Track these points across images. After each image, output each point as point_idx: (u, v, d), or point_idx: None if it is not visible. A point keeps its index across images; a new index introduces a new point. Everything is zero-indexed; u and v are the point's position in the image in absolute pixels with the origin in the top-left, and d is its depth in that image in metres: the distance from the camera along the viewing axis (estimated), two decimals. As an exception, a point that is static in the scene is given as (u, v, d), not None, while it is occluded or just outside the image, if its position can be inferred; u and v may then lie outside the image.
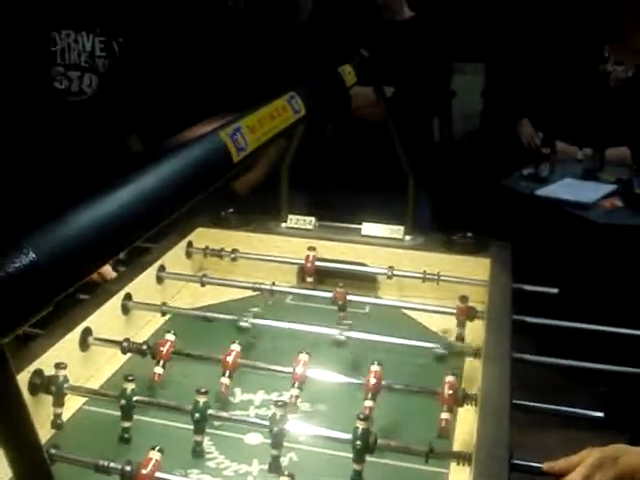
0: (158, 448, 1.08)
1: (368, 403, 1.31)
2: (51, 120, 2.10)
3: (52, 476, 0.52)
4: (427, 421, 1.30)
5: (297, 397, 1.35)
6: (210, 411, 1.21)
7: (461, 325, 1.59)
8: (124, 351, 1.43)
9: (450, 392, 1.28)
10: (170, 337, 1.43)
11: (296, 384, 1.35)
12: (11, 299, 0.53)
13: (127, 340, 1.45)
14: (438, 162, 2.94)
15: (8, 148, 1.91)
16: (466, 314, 1.59)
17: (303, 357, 1.36)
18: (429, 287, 1.80)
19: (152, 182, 0.76)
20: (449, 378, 1.29)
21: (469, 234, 1.91)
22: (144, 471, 1.04)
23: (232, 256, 1.90)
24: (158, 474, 1.05)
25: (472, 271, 1.81)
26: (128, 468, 1.05)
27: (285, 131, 1.12)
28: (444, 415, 1.28)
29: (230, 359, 1.37)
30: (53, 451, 1.11)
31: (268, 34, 2.50)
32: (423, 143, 2.66)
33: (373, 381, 1.31)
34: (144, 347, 1.42)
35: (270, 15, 2.54)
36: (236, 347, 1.39)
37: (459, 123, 5.07)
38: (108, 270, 1.69)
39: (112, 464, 1.07)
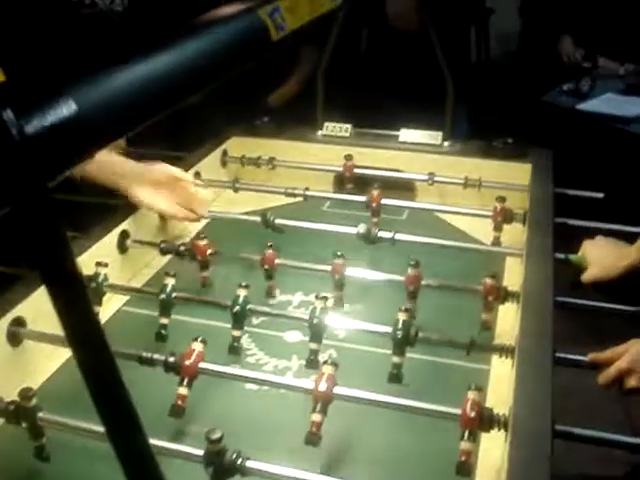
0: (201, 339, 1.08)
1: (408, 303, 1.30)
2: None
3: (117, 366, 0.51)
4: (468, 320, 1.29)
5: (335, 295, 1.35)
6: (250, 306, 1.21)
7: (498, 227, 1.56)
8: (162, 252, 1.43)
9: (490, 290, 1.26)
10: (204, 242, 1.42)
11: (336, 282, 1.34)
12: (51, 147, 0.51)
13: (164, 242, 1.44)
14: (476, 79, 2.86)
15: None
16: (503, 216, 1.56)
17: (340, 258, 1.34)
18: (468, 193, 1.77)
19: (194, 50, 0.74)
20: (488, 280, 1.27)
21: (509, 140, 1.86)
22: (188, 362, 1.04)
23: (268, 164, 1.87)
24: (202, 364, 1.05)
25: (512, 177, 1.77)
26: (172, 359, 1.06)
27: (325, 15, 1.08)
28: (485, 315, 1.27)
29: (267, 260, 1.37)
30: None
31: None
32: (460, 55, 2.58)
33: (412, 280, 1.30)
34: (181, 248, 1.42)
35: None
36: (271, 250, 1.38)
37: (497, 44, 4.93)
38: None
39: (156, 355, 1.08)
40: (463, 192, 1.76)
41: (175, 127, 1.92)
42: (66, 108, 0.53)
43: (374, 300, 1.40)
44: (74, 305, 0.50)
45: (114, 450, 0.50)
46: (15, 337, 1.18)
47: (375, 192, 1.62)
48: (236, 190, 1.77)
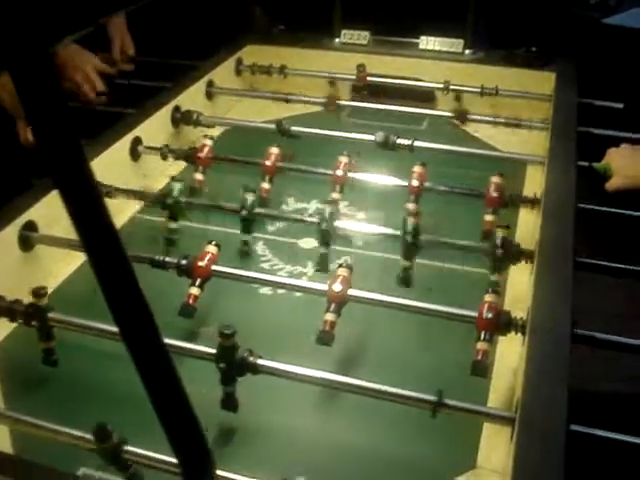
0: (215, 243, 1.06)
1: (411, 205, 1.27)
2: None
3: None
4: (473, 224, 1.27)
5: (338, 200, 1.32)
6: (258, 210, 1.19)
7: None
8: (164, 157, 1.41)
9: (495, 194, 1.23)
10: (208, 142, 1.40)
11: (337, 187, 1.32)
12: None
13: (166, 146, 1.42)
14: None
15: None
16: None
17: (344, 159, 1.32)
18: (489, 102, 1.72)
19: None
20: (495, 179, 1.24)
21: (533, 48, 1.79)
22: (201, 263, 1.03)
23: (282, 73, 1.82)
24: (215, 267, 1.04)
25: (535, 86, 1.72)
26: (184, 261, 1.04)
27: None
28: (488, 217, 1.24)
29: (269, 162, 1.35)
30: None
31: None
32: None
33: (416, 183, 1.28)
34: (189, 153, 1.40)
35: None
36: (275, 150, 1.35)
37: None
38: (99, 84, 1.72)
39: (168, 258, 1.06)
40: (483, 101, 1.71)
41: (186, 35, 1.87)
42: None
43: (389, 206, 1.37)
44: (84, 200, 0.47)
45: (128, 349, 0.49)
46: (27, 241, 1.16)
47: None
48: (252, 97, 1.73)
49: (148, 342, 0.51)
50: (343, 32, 1.91)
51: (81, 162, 0.46)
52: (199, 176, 1.40)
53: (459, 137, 1.66)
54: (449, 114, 1.69)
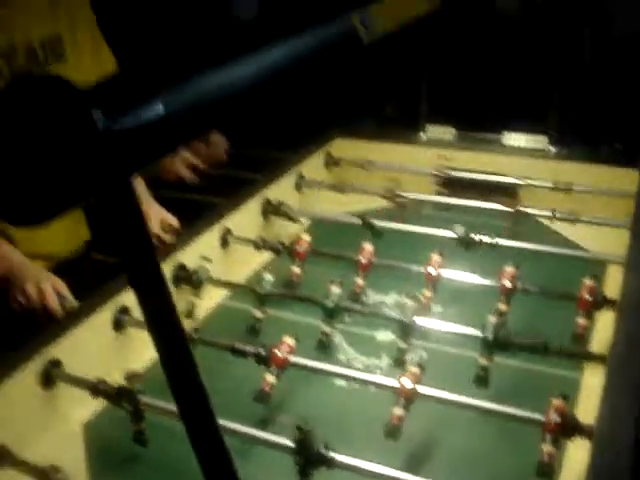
0: (293, 335, 1.12)
1: (502, 305, 1.29)
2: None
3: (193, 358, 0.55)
4: (562, 326, 1.27)
5: (429, 297, 1.35)
6: (342, 302, 1.24)
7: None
8: (257, 247, 1.48)
9: (588, 296, 1.24)
10: (306, 237, 1.46)
11: (429, 284, 1.35)
12: (135, 144, 0.55)
13: (262, 239, 1.49)
14: (588, 82, 2.75)
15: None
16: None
17: (436, 257, 1.35)
18: (571, 198, 1.73)
19: (281, 55, 0.76)
20: (588, 281, 1.25)
21: (617, 145, 1.81)
22: (278, 353, 1.08)
23: (370, 166, 1.89)
24: (292, 358, 1.09)
25: (619, 183, 1.72)
26: (262, 351, 1.10)
27: (418, 21, 1.09)
28: (581, 320, 1.25)
29: (363, 259, 1.40)
30: (194, 335, 1.17)
31: None
32: (571, 58, 2.51)
33: (507, 283, 1.30)
34: (279, 246, 1.47)
35: None
36: (369, 247, 1.40)
37: (622, 20, 4.65)
38: (187, 176, 1.87)
39: (248, 347, 1.12)
40: (565, 197, 1.73)
41: (278, 127, 1.98)
42: (154, 110, 0.57)
43: (469, 303, 1.39)
44: (153, 296, 0.54)
45: (187, 431, 0.54)
46: (120, 324, 1.25)
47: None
48: (341, 192, 1.79)
49: (202, 424, 0.57)
50: (428, 127, 1.98)
51: (146, 246, 0.53)
52: (297, 269, 1.46)
53: (541, 233, 1.67)
54: (534, 211, 1.70)
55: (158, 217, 1.58)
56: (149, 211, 1.58)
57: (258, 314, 1.30)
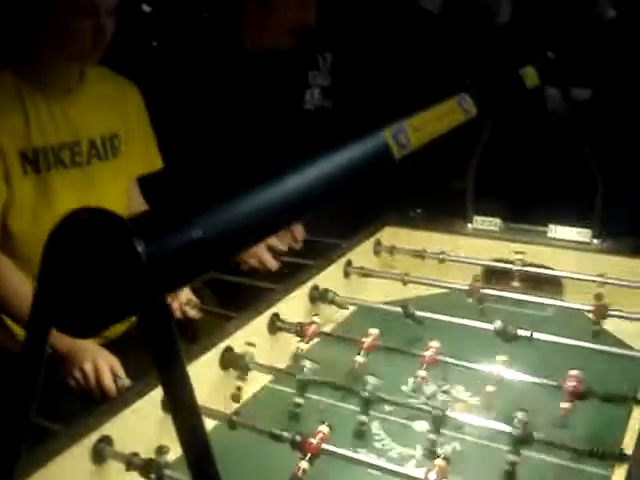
0: (328, 424, 1.17)
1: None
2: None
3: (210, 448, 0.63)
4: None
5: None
6: (378, 393, 1.30)
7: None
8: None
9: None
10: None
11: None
12: (174, 267, 0.64)
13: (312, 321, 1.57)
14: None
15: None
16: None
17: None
18: (618, 292, 1.75)
19: (316, 175, 0.85)
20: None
21: (662, 238, 1.84)
22: (312, 441, 1.14)
23: (420, 256, 1.96)
24: (325, 445, 1.15)
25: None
26: (298, 438, 1.16)
27: (453, 131, 1.17)
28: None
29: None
30: (234, 418, 1.24)
31: (461, 38, 2.53)
32: (623, 146, 2.56)
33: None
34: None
35: (463, 19, 2.57)
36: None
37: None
38: (271, 263, 1.96)
39: (285, 433, 1.18)
40: (611, 291, 1.75)
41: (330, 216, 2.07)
42: (193, 235, 0.65)
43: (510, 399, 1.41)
44: (182, 409, 0.62)
45: None
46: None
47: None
48: (401, 280, 1.86)
49: None
50: (475, 218, 2.04)
51: (177, 361, 0.60)
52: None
53: (584, 328, 1.68)
54: (581, 307, 1.72)
55: (184, 294, 1.70)
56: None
57: (298, 400, 1.36)
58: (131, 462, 1.15)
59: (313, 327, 1.57)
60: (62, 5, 1.52)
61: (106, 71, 1.76)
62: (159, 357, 0.60)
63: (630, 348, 1.60)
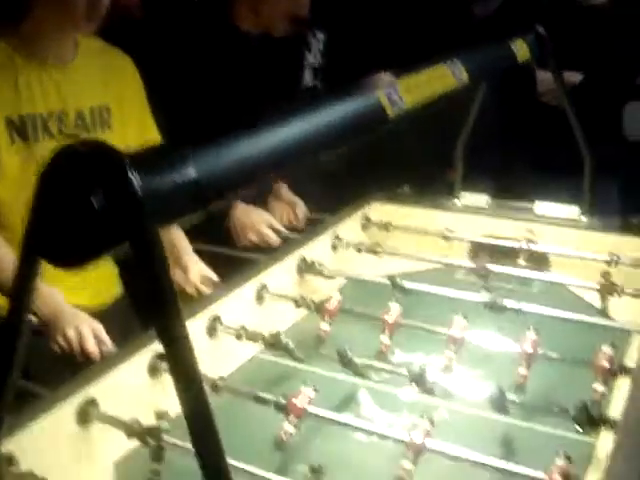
0: (313, 386, 1.17)
1: (522, 370, 1.33)
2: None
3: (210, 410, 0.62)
4: (579, 392, 1.30)
5: (452, 359, 1.40)
6: (366, 361, 1.30)
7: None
8: (297, 305, 1.55)
9: (606, 363, 1.27)
10: (337, 296, 1.52)
11: (452, 346, 1.39)
12: (173, 201, 0.64)
13: (302, 297, 1.56)
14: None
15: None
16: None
17: (460, 321, 1.40)
18: (603, 269, 1.76)
19: (311, 126, 0.85)
20: (606, 349, 1.28)
21: (650, 216, 1.84)
22: (296, 402, 1.14)
23: (405, 231, 1.96)
24: (309, 408, 1.14)
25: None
26: (282, 400, 1.15)
27: (445, 96, 1.16)
28: (597, 387, 1.28)
29: (389, 318, 1.45)
30: (219, 382, 1.24)
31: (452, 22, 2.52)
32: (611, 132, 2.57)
33: (529, 349, 1.33)
34: (310, 303, 1.53)
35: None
36: (396, 307, 1.46)
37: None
38: (272, 238, 1.94)
39: (268, 395, 1.18)
40: (596, 267, 1.76)
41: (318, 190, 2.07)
42: (187, 173, 0.65)
43: (492, 367, 1.43)
44: (175, 342, 0.61)
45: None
46: (156, 370, 1.31)
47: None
48: (376, 253, 1.86)
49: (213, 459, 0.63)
50: (463, 194, 2.04)
51: (169, 292, 0.60)
52: (325, 326, 1.52)
53: (569, 302, 1.70)
54: (562, 281, 1.73)
55: (197, 269, 1.67)
56: (189, 263, 1.67)
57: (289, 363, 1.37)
58: (130, 429, 1.13)
59: (335, 303, 1.54)
60: None
61: (101, 43, 1.74)
62: (152, 291, 0.59)
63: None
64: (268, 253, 1.77)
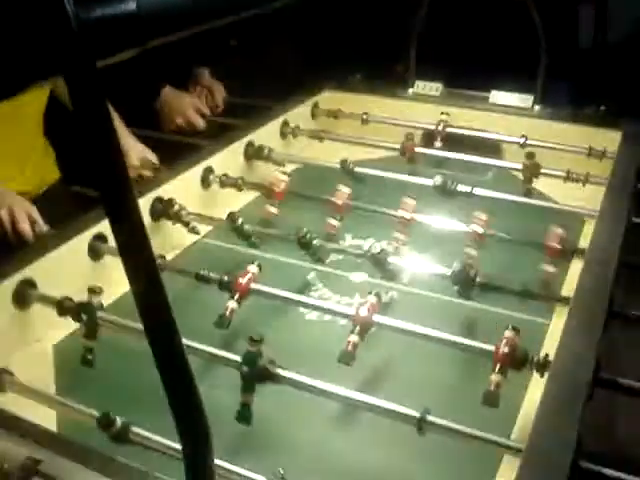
0: (257, 263, 1.14)
1: (471, 251, 1.32)
2: None
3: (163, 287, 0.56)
4: (530, 273, 1.30)
5: (402, 241, 1.38)
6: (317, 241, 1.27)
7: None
8: (239, 188, 1.50)
9: (556, 244, 1.26)
10: (285, 178, 1.48)
11: (401, 227, 1.37)
12: (111, 34, 0.58)
13: (241, 178, 1.52)
14: (586, 60, 2.73)
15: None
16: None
17: (409, 201, 1.37)
18: (554, 157, 1.74)
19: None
20: (556, 229, 1.27)
21: (602, 107, 1.82)
22: (241, 280, 1.10)
23: (358, 119, 1.90)
24: (253, 285, 1.11)
25: (601, 144, 1.73)
26: (226, 278, 1.12)
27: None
28: (548, 267, 1.27)
29: (338, 200, 1.42)
30: (160, 261, 1.20)
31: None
32: (566, 32, 2.52)
33: (478, 229, 1.32)
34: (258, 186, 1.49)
35: None
36: (345, 190, 1.42)
37: (620, 22, 4.67)
38: (198, 121, 1.93)
39: (212, 274, 1.14)
40: (548, 155, 1.73)
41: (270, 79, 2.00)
42: (126, 6, 0.59)
43: (442, 248, 1.41)
44: (123, 206, 0.55)
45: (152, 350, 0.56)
46: (96, 251, 1.27)
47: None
48: (322, 140, 1.81)
49: (166, 340, 0.59)
50: (417, 83, 1.98)
51: (111, 135, 0.54)
52: (273, 209, 1.50)
53: (520, 189, 1.68)
54: (516, 166, 1.70)
55: (137, 152, 1.60)
56: (127, 146, 1.59)
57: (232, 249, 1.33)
58: (62, 305, 1.09)
59: (282, 186, 1.51)
60: None
61: None
62: (89, 126, 0.53)
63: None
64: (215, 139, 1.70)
